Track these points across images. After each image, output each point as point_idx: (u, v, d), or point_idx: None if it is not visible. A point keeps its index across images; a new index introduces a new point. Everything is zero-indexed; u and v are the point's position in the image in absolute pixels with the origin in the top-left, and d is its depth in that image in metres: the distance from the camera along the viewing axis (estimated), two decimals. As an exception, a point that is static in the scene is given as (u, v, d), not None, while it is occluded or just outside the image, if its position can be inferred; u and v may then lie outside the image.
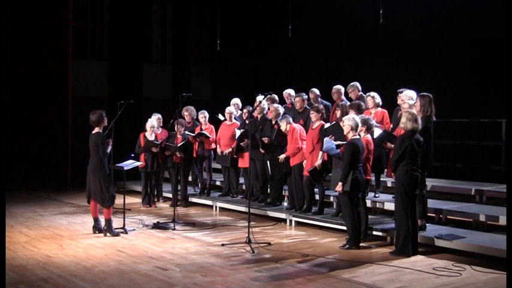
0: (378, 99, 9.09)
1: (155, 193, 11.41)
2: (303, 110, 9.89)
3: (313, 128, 8.96)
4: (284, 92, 10.72)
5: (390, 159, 7.78)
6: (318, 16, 13.47)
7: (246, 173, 10.46)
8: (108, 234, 8.29)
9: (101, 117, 8.28)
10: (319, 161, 8.69)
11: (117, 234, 8.30)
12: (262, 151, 9.76)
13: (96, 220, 8.48)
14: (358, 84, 9.69)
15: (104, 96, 14.72)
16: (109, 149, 8.31)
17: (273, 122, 9.78)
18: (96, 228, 8.47)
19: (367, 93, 9.24)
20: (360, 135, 7.74)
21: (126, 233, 8.47)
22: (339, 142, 8.24)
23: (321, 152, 8.65)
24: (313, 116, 8.97)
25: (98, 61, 15.90)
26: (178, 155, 10.50)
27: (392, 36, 11.74)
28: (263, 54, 15.16)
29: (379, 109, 9.08)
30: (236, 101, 11.20)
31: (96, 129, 8.30)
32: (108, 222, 8.33)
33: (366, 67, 12.04)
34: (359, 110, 8.44)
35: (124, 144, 10.01)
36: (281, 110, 9.86)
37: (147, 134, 10.83)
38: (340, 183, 7.51)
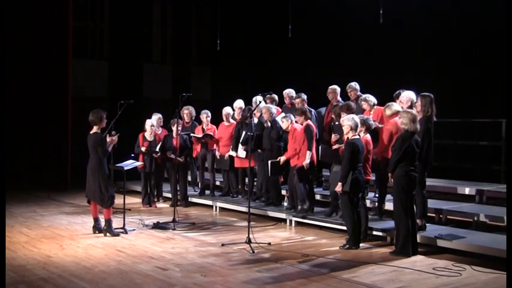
0: (373, 100, 9.00)
1: (155, 193, 11.41)
2: None
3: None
4: (284, 92, 10.71)
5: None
6: (318, 16, 13.47)
7: (244, 173, 10.48)
8: (108, 234, 8.29)
9: (101, 117, 8.25)
10: (307, 161, 8.73)
11: (117, 234, 8.30)
12: (260, 151, 9.84)
13: (96, 220, 8.48)
14: (356, 84, 9.67)
15: (104, 96, 14.72)
16: (112, 144, 8.27)
17: (269, 123, 9.78)
18: (96, 228, 8.47)
19: (360, 98, 9.23)
20: (359, 135, 7.75)
21: (126, 233, 8.47)
22: (337, 146, 8.27)
23: (308, 152, 8.69)
24: (298, 119, 9.06)
25: (98, 61, 15.89)
26: (181, 160, 10.50)
27: (392, 36, 11.74)
28: (263, 54, 15.16)
29: (376, 107, 9.04)
30: (240, 103, 10.92)
31: (95, 129, 8.26)
32: (108, 222, 8.32)
33: (366, 67, 12.05)
34: (349, 111, 8.45)
35: (124, 144, 9.99)
36: (273, 110, 9.92)
37: (146, 134, 10.82)
38: (339, 183, 7.51)
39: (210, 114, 11.14)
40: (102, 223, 8.46)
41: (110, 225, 8.34)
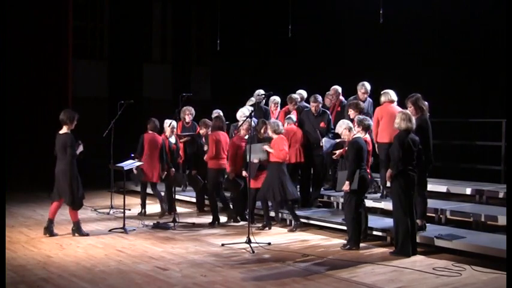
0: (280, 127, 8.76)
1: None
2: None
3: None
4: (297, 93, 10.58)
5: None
6: (318, 16, 13.47)
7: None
8: (76, 234, 8.21)
9: (72, 117, 7.99)
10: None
11: (87, 234, 8.23)
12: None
13: (50, 221, 8.23)
14: (367, 84, 9.67)
15: (104, 96, 14.72)
16: (79, 151, 8.03)
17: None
18: (48, 230, 8.20)
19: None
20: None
21: (126, 233, 8.47)
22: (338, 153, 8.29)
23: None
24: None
25: (98, 61, 15.89)
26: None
27: (393, 36, 11.74)
28: (263, 54, 15.16)
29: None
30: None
31: (64, 129, 7.99)
32: (77, 224, 8.24)
33: (366, 67, 12.02)
34: (357, 109, 8.45)
35: (124, 145, 9.95)
36: (247, 112, 9.38)
37: (167, 134, 10.22)
38: (347, 183, 7.48)
39: (221, 113, 10.82)
40: (70, 224, 8.30)
41: (79, 227, 8.25)
